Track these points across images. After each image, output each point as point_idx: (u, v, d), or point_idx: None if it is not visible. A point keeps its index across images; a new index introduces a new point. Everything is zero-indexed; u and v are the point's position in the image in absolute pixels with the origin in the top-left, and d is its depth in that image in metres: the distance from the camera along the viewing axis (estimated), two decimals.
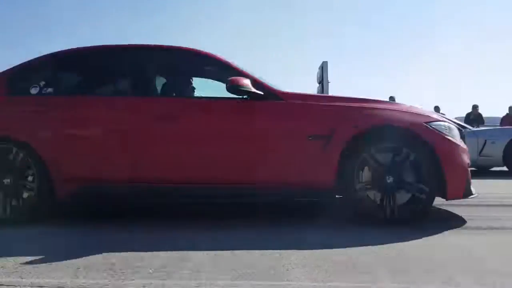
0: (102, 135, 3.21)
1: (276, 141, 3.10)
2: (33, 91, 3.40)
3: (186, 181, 3.11)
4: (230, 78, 3.05)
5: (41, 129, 3.17)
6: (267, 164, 3.07)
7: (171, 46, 3.44)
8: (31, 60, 3.50)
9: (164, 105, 3.26)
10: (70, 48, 3.51)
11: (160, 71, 3.68)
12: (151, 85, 3.41)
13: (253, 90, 3.07)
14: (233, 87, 3.03)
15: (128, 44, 3.49)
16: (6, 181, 3.12)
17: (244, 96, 3.13)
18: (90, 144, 3.18)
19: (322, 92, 6.78)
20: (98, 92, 3.63)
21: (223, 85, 3.12)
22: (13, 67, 3.48)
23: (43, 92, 3.44)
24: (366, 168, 3.08)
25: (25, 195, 3.14)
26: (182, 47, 3.43)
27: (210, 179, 3.12)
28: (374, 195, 3.06)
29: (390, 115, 3.14)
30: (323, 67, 6.82)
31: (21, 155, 3.13)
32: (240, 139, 3.13)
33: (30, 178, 3.15)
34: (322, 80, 6.74)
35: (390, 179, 3.04)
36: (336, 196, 3.28)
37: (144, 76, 3.43)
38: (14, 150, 3.13)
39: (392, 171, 3.04)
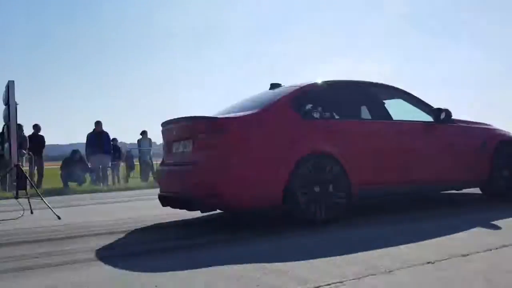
0: (379, 148, 4.40)
1: (458, 151, 4.82)
2: (316, 114, 4.23)
3: (424, 181, 4.60)
4: (445, 109, 4.76)
5: (345, 147, 4.16)
6: (455, 167, 4.76)
7: (392, 86, 4.92)
8: (305, 86, 4.43)
9: (408, 127, 4.68)
10: (333, 79, 4.66)
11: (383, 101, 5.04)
12: (387, 111, 4.72)
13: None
14: (449, 115, 4.73)
15: (375, 82, 4.93)
16: (317, 189, 3.93)
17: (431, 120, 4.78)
18: (372, 155, 4.33)
19: (9, 114, 5.70)
20: (363, 117, 4.91)
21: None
22: (291, 93, 4.30)
23: (324, 115, 4.31)
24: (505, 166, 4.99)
25: (335, 200, 4.01)
26: (396, 87, 4.92)
27: (431, 179, 4.67)
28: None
29: (507, 133, 5.23)
30: (9, 87, 5.66)
31: (334, 168, 4.04)
32: (445, 150, 4.74)
33: (330, 187, 3.99)
34: (8, 101, 5.62)
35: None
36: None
37: (382, 105, 4.82)
38: (330, 164, 4.03)
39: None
